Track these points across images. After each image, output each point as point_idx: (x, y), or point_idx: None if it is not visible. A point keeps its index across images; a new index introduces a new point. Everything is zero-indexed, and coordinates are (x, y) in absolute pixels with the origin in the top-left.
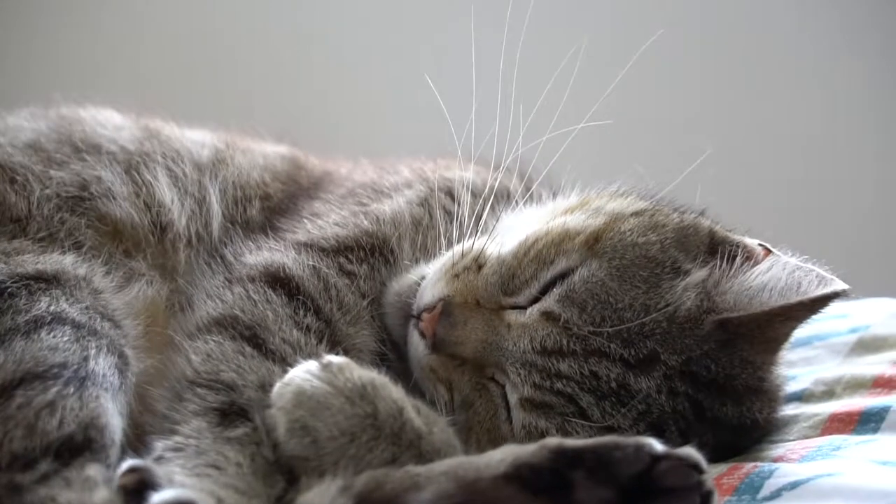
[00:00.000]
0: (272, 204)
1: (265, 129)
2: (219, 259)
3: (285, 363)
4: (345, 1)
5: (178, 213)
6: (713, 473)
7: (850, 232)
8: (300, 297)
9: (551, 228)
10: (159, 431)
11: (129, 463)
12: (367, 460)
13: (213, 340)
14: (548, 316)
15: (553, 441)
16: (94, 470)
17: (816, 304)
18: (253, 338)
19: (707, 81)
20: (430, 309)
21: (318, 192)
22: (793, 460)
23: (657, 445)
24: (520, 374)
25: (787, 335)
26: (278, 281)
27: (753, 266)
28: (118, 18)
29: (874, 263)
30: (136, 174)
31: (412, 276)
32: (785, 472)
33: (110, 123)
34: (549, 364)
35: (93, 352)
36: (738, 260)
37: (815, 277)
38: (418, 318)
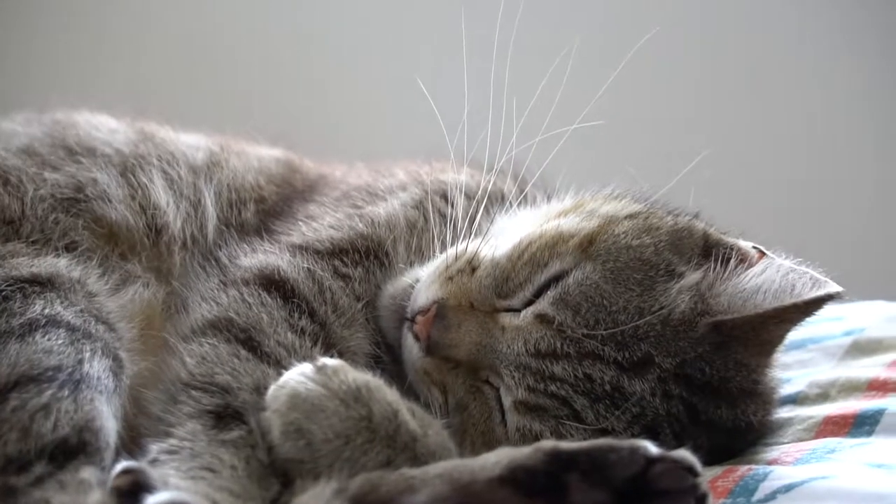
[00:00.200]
0: (267, 207)
1: (260, 132)
2: (213, 262)
3: (280, 366)
4: (342, 4)
5: (173, 215)
6: (708, 476)
7: (845, 235)
8: (295, 300)
9: (545, 231)
10: (154, 434)
11: (123, 464)
12: (362, 463)
13: (208, 343)
14: (542, 319)
15: (548, 444)
16: (88, 473)
17: (810, 307)
18: (248, 340)
19: (702, 81)
20: (424, 312)
21: (312, 194)
22: (787, 463)
23: (652, 448)
24: (514, 377)
25: (781, 337)
26: (273, 283)
27: (747, 268)
28: (118, 19)
29: (869, 266)
30: (131, 177)
31: (406, 278)
32: (779, 475)
33: (105, 127)
34: (543, 367)
35: (87, 355)
36: (732, 262)
37: (810, 280)
38: (412, 320)
